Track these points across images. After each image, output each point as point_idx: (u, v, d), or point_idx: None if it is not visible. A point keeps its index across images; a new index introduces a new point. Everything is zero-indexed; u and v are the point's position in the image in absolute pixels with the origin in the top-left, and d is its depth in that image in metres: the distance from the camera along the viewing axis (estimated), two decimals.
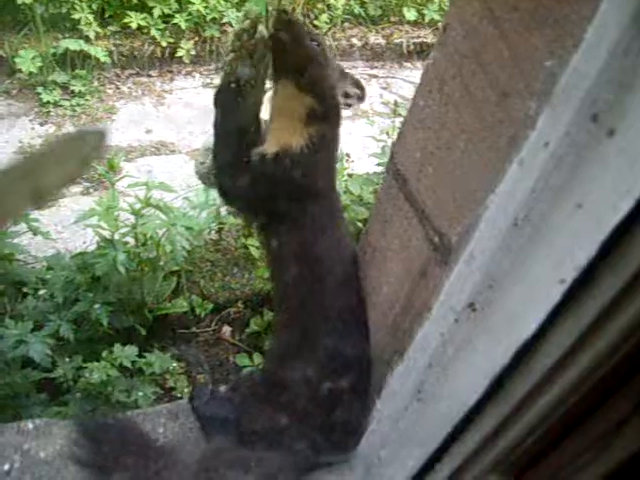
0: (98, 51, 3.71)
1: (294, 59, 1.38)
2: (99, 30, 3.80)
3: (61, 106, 3.59)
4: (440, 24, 1.27)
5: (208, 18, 4.00)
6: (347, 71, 1.36)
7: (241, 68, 1.35)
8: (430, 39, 4.57)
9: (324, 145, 1.42)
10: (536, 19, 0.91)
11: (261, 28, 1.32)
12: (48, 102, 3.57)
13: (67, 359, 1.86)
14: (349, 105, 1.36)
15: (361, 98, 1.50)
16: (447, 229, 1.16)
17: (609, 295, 0.76)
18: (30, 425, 1.58)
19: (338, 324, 1.48)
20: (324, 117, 1.40)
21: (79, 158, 0.45)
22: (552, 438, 0.90)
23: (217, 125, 1.45)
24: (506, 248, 0.98)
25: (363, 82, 1.52)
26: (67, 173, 0.44)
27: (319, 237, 1.47)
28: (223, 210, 2.34)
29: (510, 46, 0.97)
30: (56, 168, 0.43)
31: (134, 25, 3.86)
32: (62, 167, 0.44)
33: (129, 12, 3.86)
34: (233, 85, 1.36)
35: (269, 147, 1.43)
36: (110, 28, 3.92)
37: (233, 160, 1.46)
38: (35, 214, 2.17)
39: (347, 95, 1.37)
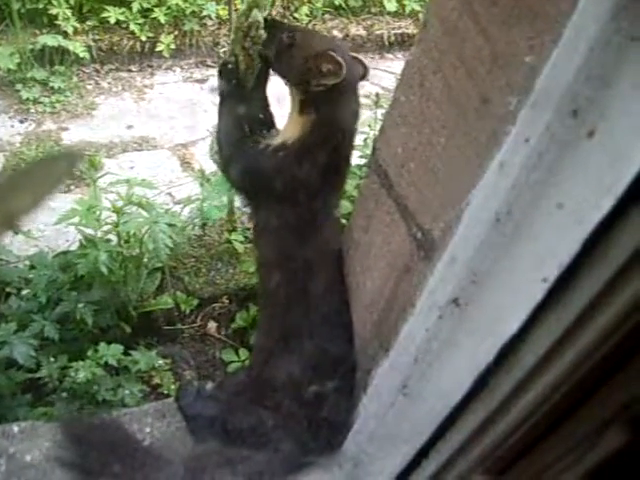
0: (77, 46, 3.65)
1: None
2: (77, 25, 3.73)
3: (41, 103, 3.54)
4: (421, 15, 1.27)
5: (187, 12, 3.94)
6: (331, 53, 1.34)
7: (237, 50, 1.40)
8: (411, 30, 4.54)
9: (316, 135, 1.41)
10: (515, 14, 0.91)
11: (255, 12, 1.35)
12: (28, 99, 3.52)
13: (52, 359, 1.85)
14: (323, 85, 1.35)
15: (363, 76, 1.50)
16: (430, 225, 1.16)
17: (591, 293, 0.76)
18: (15, 428, 1.57)
19: (323, 327, 1.48)
20: (311, 106, 1.41)
21: (51, 181, 0.44)
22: (537, 435, 0.90)
23: (219, 105, 1.50)
24: (489, 244, 0.98)
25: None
26: (38, 196, 0.44)
27: (302, 245, 1.47)
28: (206, 205, 2.33)
29: (490, 41, 0.97)
30: (27, 192, 0.43)
31: (113, 20, 3.79)
32: (33, 191, 0.43)
33: (107, 7, 3.80)
34: (230, 65, 1.42)
35: (275, 140, 1.45)
36: (88, 23, 3.85)
37: (232, 145, 1.48)
38: None
39: (322, 74, 1.36)
